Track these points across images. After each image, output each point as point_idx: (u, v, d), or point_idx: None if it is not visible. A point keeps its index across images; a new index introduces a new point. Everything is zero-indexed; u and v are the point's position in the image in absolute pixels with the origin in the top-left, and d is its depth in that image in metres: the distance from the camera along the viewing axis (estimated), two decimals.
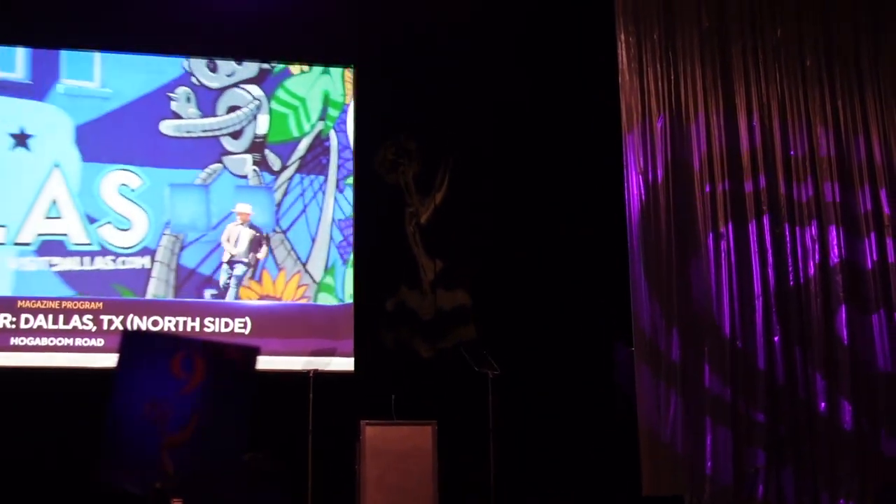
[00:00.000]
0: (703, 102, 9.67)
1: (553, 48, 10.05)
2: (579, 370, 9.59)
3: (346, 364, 9.30)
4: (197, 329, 9.08)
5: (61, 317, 8.91)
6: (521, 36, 10.03)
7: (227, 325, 9.16)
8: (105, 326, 8.94)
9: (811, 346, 9.27)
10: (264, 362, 8.69)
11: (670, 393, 9.05)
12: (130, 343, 1.85)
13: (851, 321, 9.31)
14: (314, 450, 8.54)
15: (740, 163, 9.56)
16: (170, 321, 9.05)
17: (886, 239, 9.51)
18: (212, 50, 8.83)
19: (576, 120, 9.96)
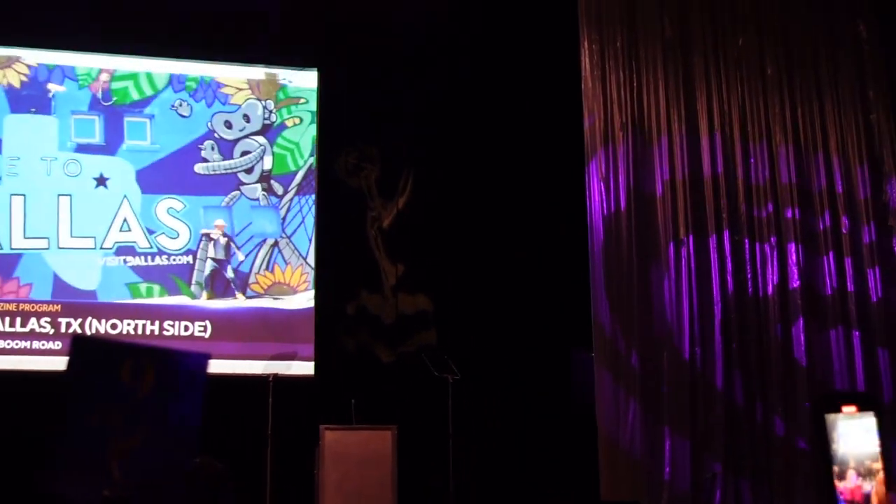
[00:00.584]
0: (665, 110, 9.72)
1: (516, 54, 10.07)
2: (539, 375, 9.62)
3: (306, 368, 9.28)
4: (156, 332, 9.04)
5: (18, 319, 8.86)
6: (485, 42, 10.05)
7: (186, 328, 9.13)
8: (63, 329, 8.89)
9: (769, 360, 9.33)
10: (224, 366, 8.71)
11: (629, 400, 9.09)
12: (80, 349, 1.83)
13: (809, 337, 9.39)
14: (274, 454, 8.51)
15: (701, 177, 9.62)
16: (129, 324, 9.02)
17: (845, 258, 9.58)
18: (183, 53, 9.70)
19: (539, 126, 9.99)
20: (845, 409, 1.34)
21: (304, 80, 9.98)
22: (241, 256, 9.53)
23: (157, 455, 1.80)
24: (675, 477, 8.94)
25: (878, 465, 1.31)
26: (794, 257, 9.53)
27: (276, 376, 8.79)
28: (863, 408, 1.33)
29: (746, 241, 9.54)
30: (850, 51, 10.09)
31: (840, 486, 1.32)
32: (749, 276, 9.48)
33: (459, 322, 9.70)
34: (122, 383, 1.81)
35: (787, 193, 9.68)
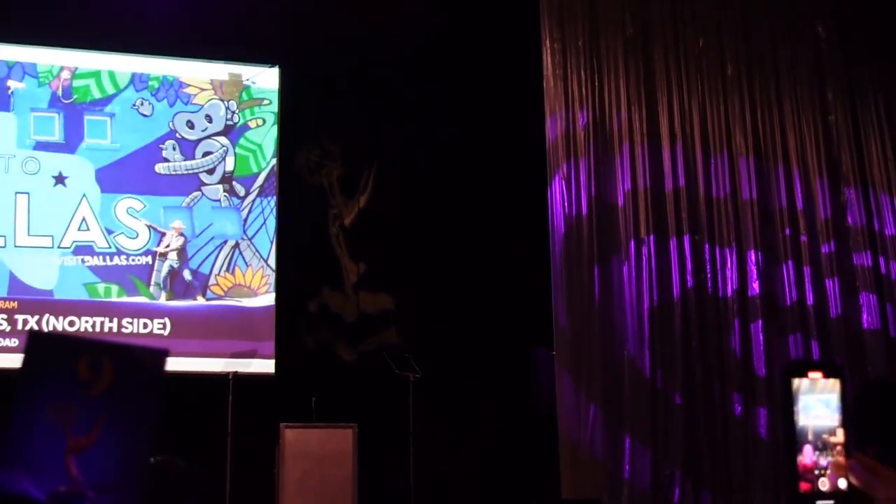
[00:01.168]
0: (627, 110, 9.76)
1: (479, 52, 10.08)
2: (500, 374, 9.63)
3: (266, 366, 9.24)
4: (115, 330, 8.97)
5: None
6: (446, 40, 10.04)
7: (145, 325, 9.07)
8: (20, 326, 8.80)
9: (727, 362, 9.41)
10: (184, 364, 8.66)
11: (590, 402, 9.13)
12: (35, 344, 1.81)
13: (768, 339, 9.47)
14: (234, 452, 8.47)
15: (663, 190, 9.68)
16: (87, 321, 8.94)
17: (804, 267, 9.65)
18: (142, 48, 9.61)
19: (501, 125, 9.99)
20: (811, 374, 1.34)
21: (268, 82, 9.91)
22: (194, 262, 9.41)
23: (115, 452, 1.78)
24: (634, 474, 8.98)
25: (837, 439, 1.32)
26: (753, 263, 9.59)
27: (235, 374, 8.75)
28: (828, 374, 1.34)
29: (707, 243, 9.61)
30: (810, 50, 10.17)
31: (798, 459, 1.33)
32: (709, 275, 9.54)
33: (421, 320, 9.70)
34: (79, 379, 1.79)
35: (748, 208, 9.74)
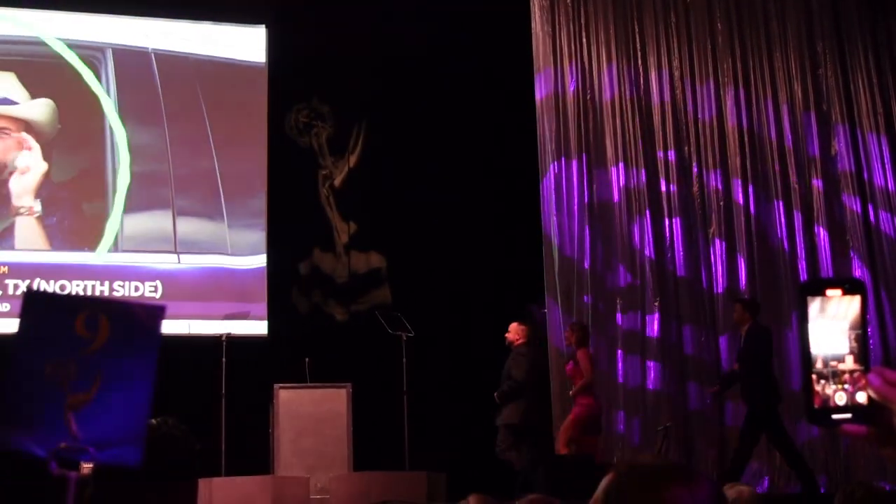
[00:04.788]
0: (617, 64, 9.73)
1: (468, 10, 9.99)
2: (492, 332, 9.65)
3: (259, 327, 9.25)
4: (106, 293, 8.96)
5: None
6: None
7: (137, 288, 9.06)
8: (10, 291, 8.78)
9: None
10: (176, 326, 8.65)
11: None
12: (32, 302, 1.80)
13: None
14: (228, 414, 8.48)
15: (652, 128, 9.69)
16: (77, 285, 8.92)
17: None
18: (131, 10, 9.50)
19: (490, 81, 9.94)
20: (829, 291, 1.33)
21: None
22: None
23: (114, 408, 1.78)
24: (628, 432, 9.04)
25: (845, 367, 1.31)
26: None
27: (228, 336, 8.74)
28: (848, 291, 1.32)
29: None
30: (799, 5, 10.08)
31: (812, 376, 1.32)
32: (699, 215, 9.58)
33: (413, 279, 9.70)
34: (77, 336, 1.78)
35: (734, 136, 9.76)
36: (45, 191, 9.16)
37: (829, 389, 1.35)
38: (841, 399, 1.36)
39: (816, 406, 1.36)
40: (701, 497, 1.55)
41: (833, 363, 1.36)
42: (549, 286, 9.38)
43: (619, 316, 9.33)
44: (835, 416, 1.37)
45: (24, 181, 9.10)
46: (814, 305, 1.36)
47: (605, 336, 9.28)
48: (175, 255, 9.29)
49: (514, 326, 8.26)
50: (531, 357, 8.25)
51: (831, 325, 1.36)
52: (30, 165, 9.13)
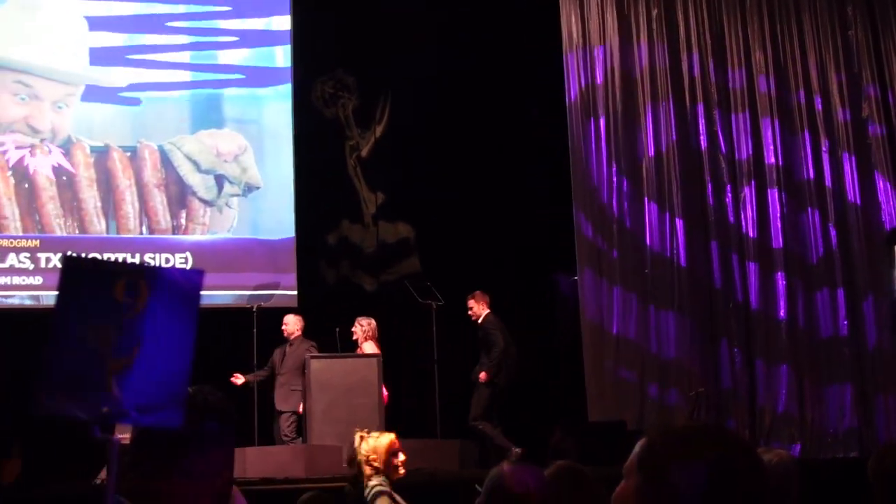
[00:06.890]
0: (647, 37, 9.67)
1: None
2: (522, 300, 9.64)
3: (289, 299, 9.27)
4: None
5: None
6: None
7: (167, 261, 9.09)
8: (42, 265, 8.84)
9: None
10: (207, 297, 8.67)
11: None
12: (71, 269, 1.80)
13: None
14: (259, 384, 8.53)
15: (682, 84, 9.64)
16: (109, 258, 8.94)
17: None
18: None
19: (515, 46, 9.87)
20: None
21: None
22: None
23: (154, 372, 1.79)
24: (661, 396, 9.01)
25: None
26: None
27: (259, 306, 8.78)
28: None
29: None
30: None
31: None
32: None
33: (441, 248, 9.69)
34: (117, 302, 1.78)
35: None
36: None
37: None
38: None
39: None
40: (738, 459, 1.53)
41: None
42: (580, 255, 9.34)
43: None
44: None
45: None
46: None
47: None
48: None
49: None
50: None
51: None
52: None
